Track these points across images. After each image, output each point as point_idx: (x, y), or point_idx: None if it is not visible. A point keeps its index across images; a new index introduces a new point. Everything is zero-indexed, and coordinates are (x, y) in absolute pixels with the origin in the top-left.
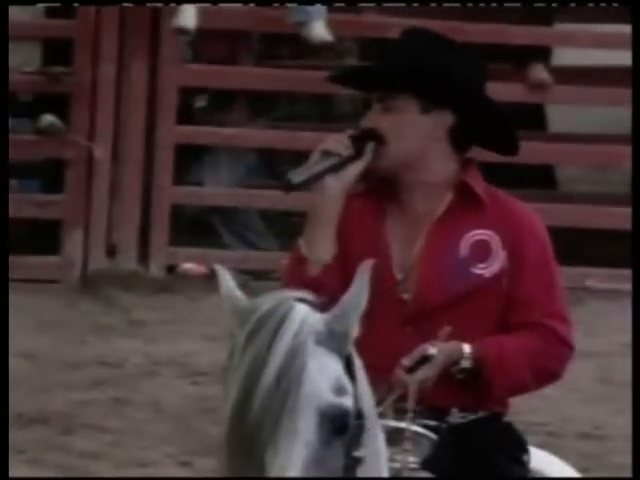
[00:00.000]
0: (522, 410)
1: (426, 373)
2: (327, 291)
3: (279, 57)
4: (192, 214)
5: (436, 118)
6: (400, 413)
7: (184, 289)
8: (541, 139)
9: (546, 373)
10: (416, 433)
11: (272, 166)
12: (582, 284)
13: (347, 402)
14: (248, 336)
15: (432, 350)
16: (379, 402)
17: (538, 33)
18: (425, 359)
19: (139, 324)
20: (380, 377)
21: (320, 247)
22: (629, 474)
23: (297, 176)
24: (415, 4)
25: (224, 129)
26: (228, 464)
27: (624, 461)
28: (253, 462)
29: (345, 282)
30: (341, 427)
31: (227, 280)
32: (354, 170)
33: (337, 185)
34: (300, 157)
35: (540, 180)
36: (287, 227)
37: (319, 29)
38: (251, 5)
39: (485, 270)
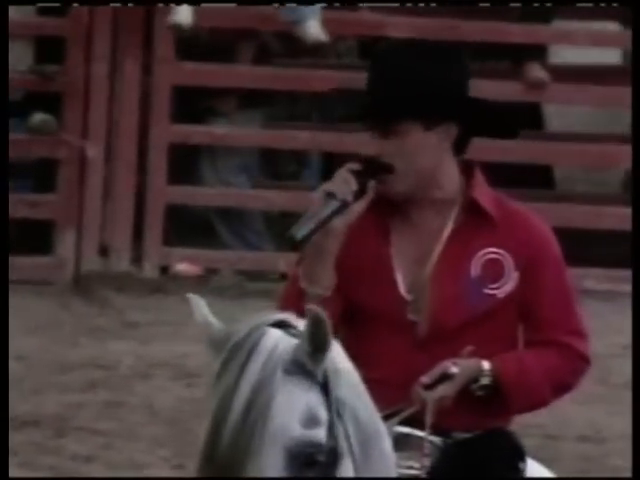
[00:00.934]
0: None
1: (446, 391)
2: None
3: (276, 56)
4: (192, 214)
5: (440, 132)
6: (413, 423)
7: (178, 290)
8: (538, 138)
9: (563, 388)
10: (431, 442)
11: (271, 166)
12: (580, 285)
13: (318, 434)
14: (221, 367)
15: (454, 369)
16: (395, 414)
17: (535, 31)
18: (445, 377)
19: (133, 325)
20: (393, 393)
21: (320, 282)
22: (628, 476)
23: (301, 229)
24: (409, 3)
25: (218, 128)
26: None
27: (623, 464)
28: None
29: (346, 304)
30: (312, 461)
31: (201, 308)
32: (358, 207)
33: (342, 226)
34: (299, 157)
35: (538, 180)
36: (284, 228)
37: (314, 28)
38: (246, 4)
39: (498, 290)
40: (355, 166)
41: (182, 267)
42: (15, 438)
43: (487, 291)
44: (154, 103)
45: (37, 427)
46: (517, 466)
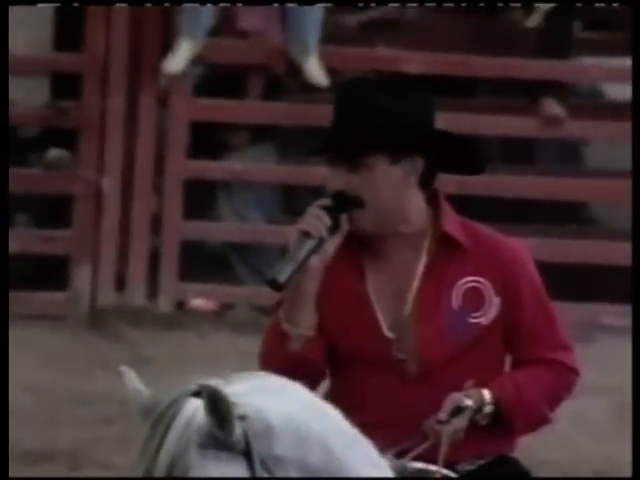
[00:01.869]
0: (535, 447)
1: (460, 424)
2: (311, 364)
3: (291, 91)
4: (207, 249)
5: (406, 166)
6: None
7: (193, 325)
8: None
9: (558, 402)
10: (447, 477)
11: (287, 201)
12: (597, 321)
13: None
14: (147, 435)
15: (468, 401)
16: (406, 451)
17: (551, 67)
18: (459, 410)
19: (147, 360)
20: (388, 433)
21: (301, 322)
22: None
23: (282, 273)
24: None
25: (234, 163)
26: None
27: None
28: None
29: (327, 347)
30: None
31: (132, 379)
32: (333, 243)
33: (319, 265)
34: (316, 192)
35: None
36: None
37: (314, 70)
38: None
39: (482, 318)
40: (325, 202)
41: (198, 302)
42: (29, 473)
43: (471, 320)
44: (170, 138)
45: (51, 462)
46: None
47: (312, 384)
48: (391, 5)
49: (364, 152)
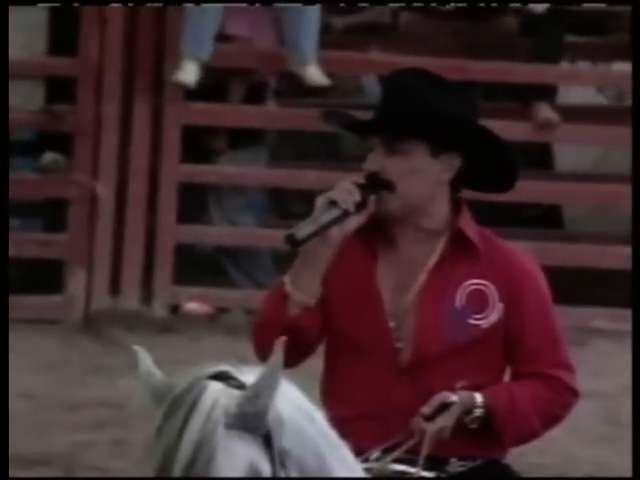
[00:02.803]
0: (527, 451)
1: (445, 421)
2: (304, 334)
3: (282, 95)
4: (201, 253)
5: (444, 162)
6: (409, 455)
7: (187, 329)
8: (547, 178)
9: (553, 420)
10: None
11: (279, 205)
12: (589, 324)
13: None
14: (162, 421)
15: (453, 398)
16: (394, 447)
17: (543, 71)
18: (444, 407)
19: None
20: (376, 426)
21: (305, 289)
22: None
23: (302, 230)
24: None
25: (228, 168)
26: None
27: None
28: None
29: (325, 324)
30: None
31: (145, 360)
32: (356, 220)
33: (338, 236)
34: (307, 196)
35: (547, 220)
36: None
37: (314, 73)
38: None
39: (482, 321)
40: (358, 179)
41: (192, 306)
42: (24, 477)
43: (471, 321)
44: (164, 142)
45: (46, 466)
46: None
47: (301, 356)
48: (380, 8)
49: (404, 138)
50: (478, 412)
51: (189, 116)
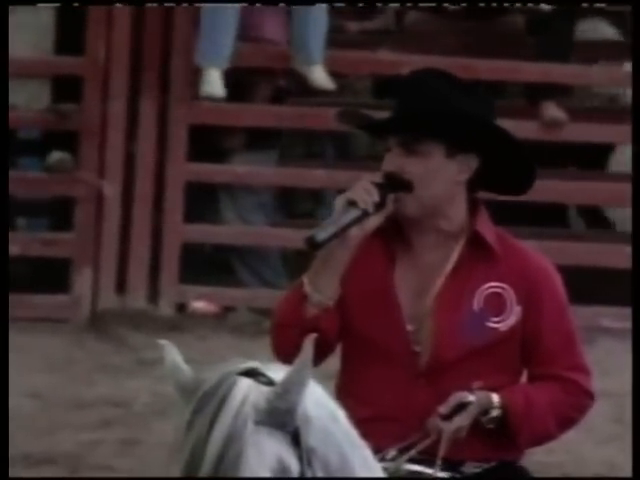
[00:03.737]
0: (536, 450)
1: (462, 421)
2: (322, 335)
3: (291, 94)
4: (208, 252)
5: (461, 162)
6: (426, 455)
7: (194, 328)
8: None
9: (568, 422)
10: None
11: (287, 204)
12: (596, 323)
13: None
14: (191, 417)
15: (470, 398)
16: (410, 447)
17: (550, 70)
18: (461, 407)
19: (148, 363)
20: (389, 428)
21: (324, 290)
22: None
23: (322, 233)
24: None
25: (236, 167)
26: None
27: None
28: None
29: (343, 325)
30: None
31: (173, 354)
32: (376, 221)
33: (358, 236)
34: (316, 196)
35: (554, 219)
36: (301, 266)
37: (320, 76)
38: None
39: (500, 324)
40: (377, 178)
41: (199, 305)
42: (30, 476)
43: (489, 324)
44: (171, 141)
45: (52, 465)
46: None
47: (320, 356)
48: (393, 11)
49: (422, 138)
50: (495, 412)
51: (196, 115)
